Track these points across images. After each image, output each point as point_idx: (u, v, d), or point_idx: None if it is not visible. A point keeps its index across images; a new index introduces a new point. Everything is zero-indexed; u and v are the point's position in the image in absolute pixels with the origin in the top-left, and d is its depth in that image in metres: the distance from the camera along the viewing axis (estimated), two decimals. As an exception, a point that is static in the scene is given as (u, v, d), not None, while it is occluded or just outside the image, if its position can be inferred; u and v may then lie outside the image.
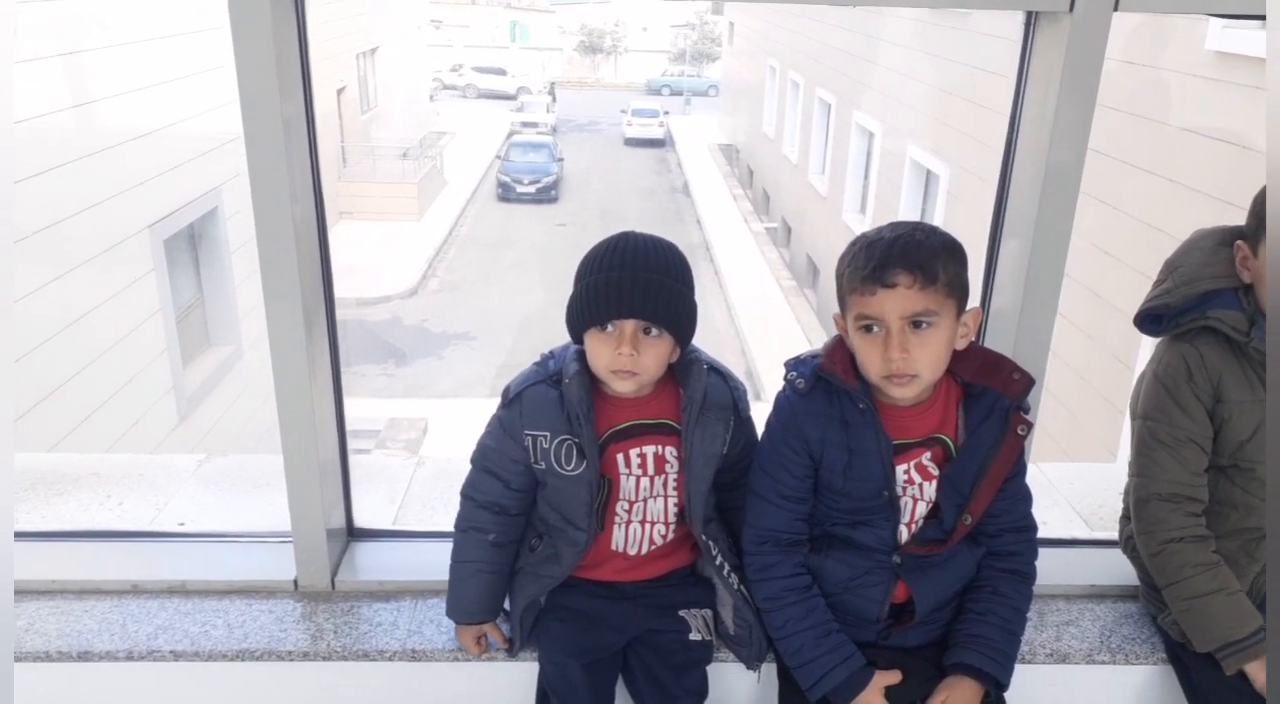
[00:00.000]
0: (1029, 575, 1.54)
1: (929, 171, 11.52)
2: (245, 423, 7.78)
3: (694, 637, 1.57)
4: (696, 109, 31.15)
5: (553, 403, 1.51)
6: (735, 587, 1.56)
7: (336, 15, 17.85)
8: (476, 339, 14.45)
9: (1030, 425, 1.47)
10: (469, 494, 1.60)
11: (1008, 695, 1.53)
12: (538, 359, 1.59)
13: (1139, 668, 1.67)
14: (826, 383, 1.47)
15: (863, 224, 13.57)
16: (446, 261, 17.83)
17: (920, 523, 1.50)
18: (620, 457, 1.52)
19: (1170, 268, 1.64)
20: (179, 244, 7.18)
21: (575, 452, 1.49)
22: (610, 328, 1.44)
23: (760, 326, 14.99)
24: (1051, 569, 1.82)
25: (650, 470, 1.54)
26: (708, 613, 1.60)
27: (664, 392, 1.55)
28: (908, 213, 12.01)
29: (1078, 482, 2.32)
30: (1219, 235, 1.62)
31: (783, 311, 15.85)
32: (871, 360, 1.41)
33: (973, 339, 1.48)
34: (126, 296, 6.27)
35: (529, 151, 22.20)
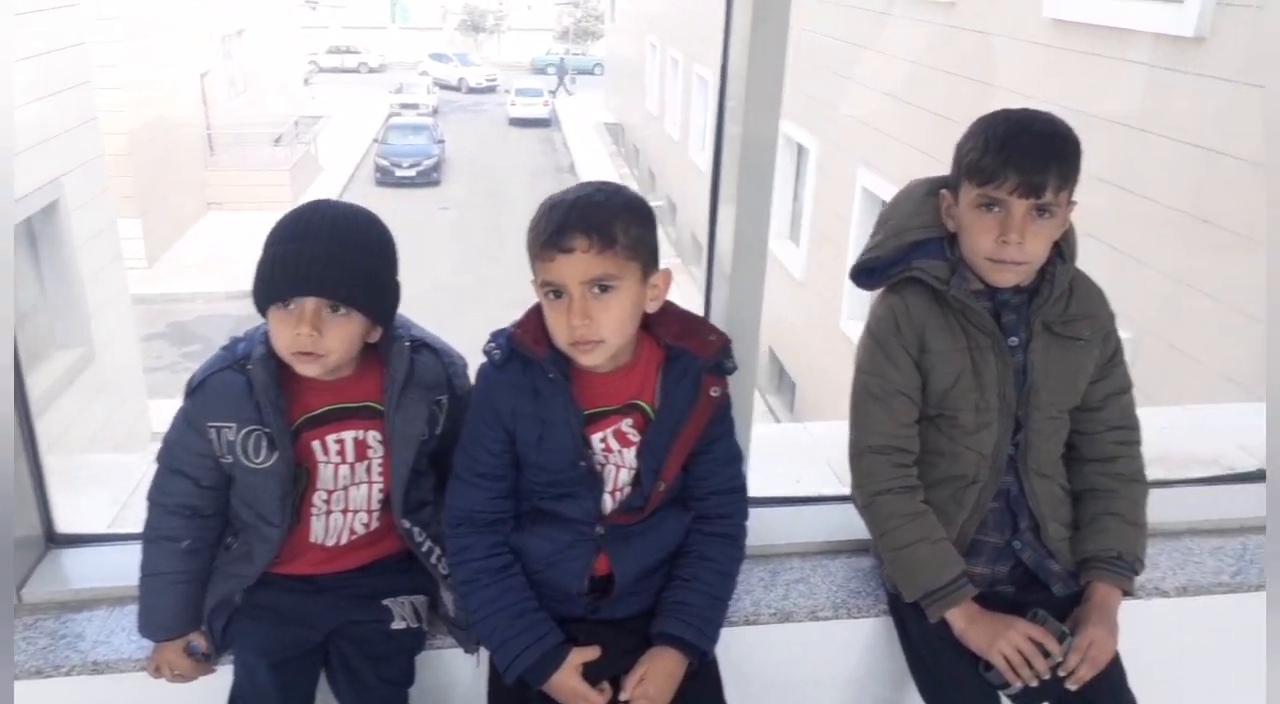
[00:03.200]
0: (737, 537, 1.51)
1: (800, 146, 11.64)
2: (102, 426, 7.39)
3: (397, 626, 1.50)
4: (583, 88, 30.92)
5: (240, 390, 1.40)
6: (445, 574, 1.49)
7: (195, -5, 17.05)
8: (357, 328, 14.03)
9: (723, 386, 1.44)
10: (155, 499, 1.47)
11: (727, 659, 1.51)
12: (226, 342, 1.48)
13: (862, 621, 1.68)
14: (522, 353, 1.40)
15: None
16: (323, 249, 17.25)
17: (626, 491, 1.46)
18: (317, 444, 1.43)
19: (882, 220, 1.63)
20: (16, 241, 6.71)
21: (265, 442, 1.39)
22: (291, 306, 1.34)
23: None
24: (791, 527, 1.82)
25: (350, 457, 1.45)
26: (420, 599, 1.53)
27: (367, 372, 1.46)
28: (782, 188, 12.14)
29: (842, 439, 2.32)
30: (927, 185, 1.61)
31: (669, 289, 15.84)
32: (558, 327, 1.35)
33: (666, 300, 1.44)
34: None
35: (408, 134, 21.64)
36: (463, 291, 13.30)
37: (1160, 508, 1.89)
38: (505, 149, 24.09)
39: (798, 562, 1.78)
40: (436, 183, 20.73)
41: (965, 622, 1.50)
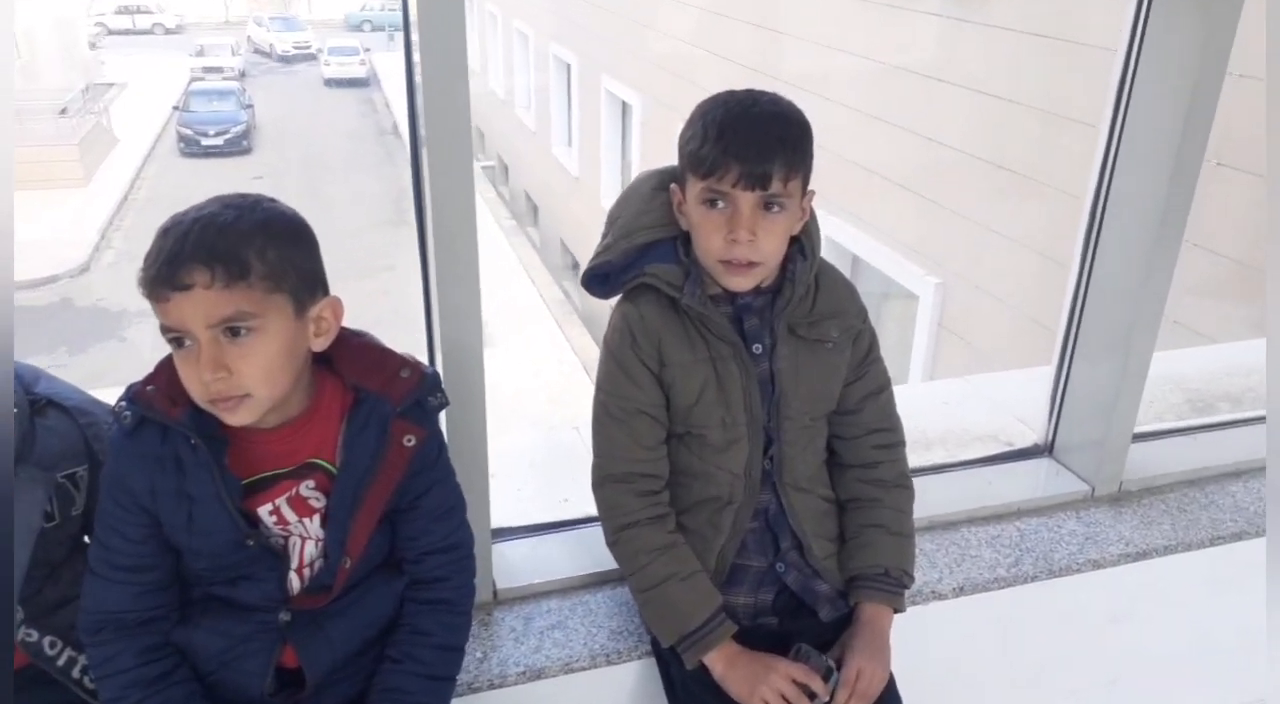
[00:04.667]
0: (458, 603, 1.30)
1: (624, 103, 11.43)
2: None
3: None
4: (400, 45, 29.49)
5: None
6: (93, 688, 1.22)
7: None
8: (164, 314, 13.04)
9: (424, 432, 1.21)
10: None
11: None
12: None
13: (623, 667, 1.50)
14: (154, 418, 1.13)
15: (570, 156, 13.37)
16: (123, 229, 15.92)
17: (317, 566, 1.22)
18: None
19: (611, 219, 1.43)
20: None
21: None
22: None
23: (483, 269, 14.57)
24: (552, 560, 1.63)
25: None
26: None
27: None
28: (609, 144, 11.93)
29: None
30: (656, 178, 1.42)
31: (505, 252, 15.48)
32: (190, 382, 1.09)
33: (346, 331, 1.20)
34: None
35: (213, 99, 20.12)
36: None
37: (936, 498, 1.83)
38: (321, 112, 22.78)
39: (556, 602, 1.59)
40: (247, 151, 19.43)
41: (724, 666, 1.34)
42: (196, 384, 1.08)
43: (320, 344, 1.16)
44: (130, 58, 26.25)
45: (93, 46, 25.20)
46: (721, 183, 1.25)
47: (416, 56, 1.28)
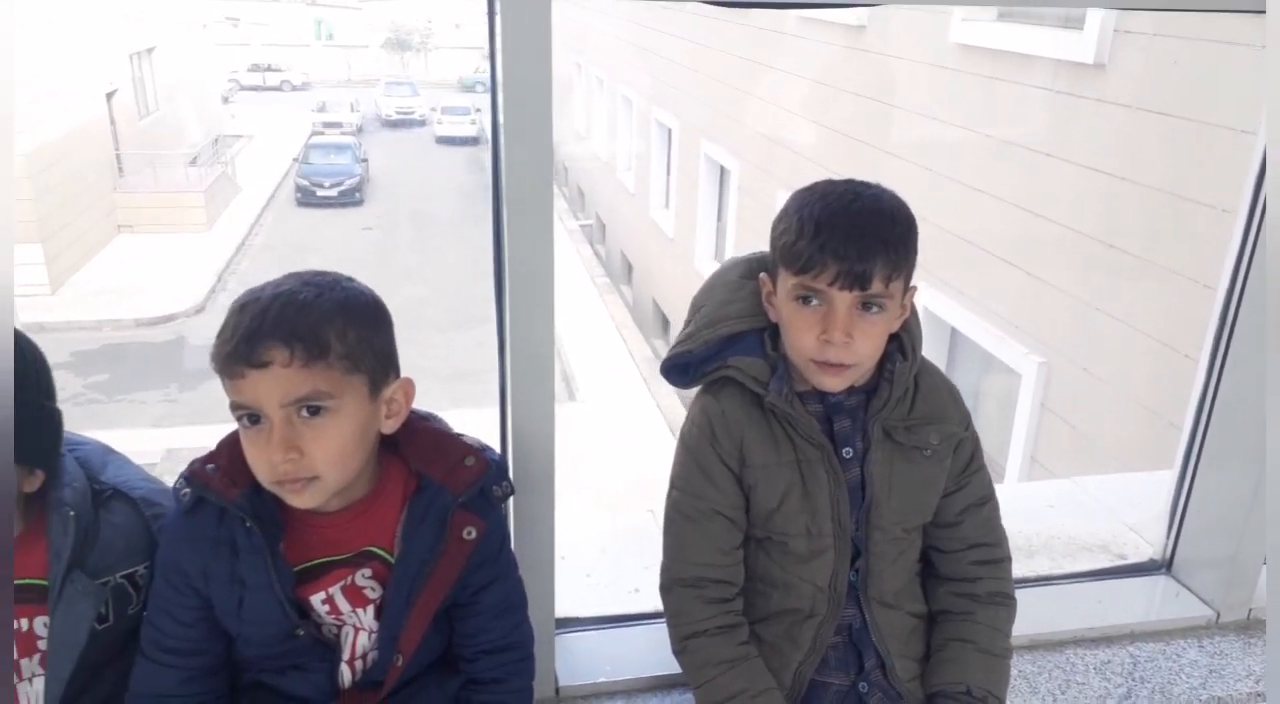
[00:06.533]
0: None
1: (723, 167, 11.49)
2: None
3: None
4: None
5: None
6: None
7: (100, 11, 16.40)
8: (270, 356, 13.53)
9: (486, 524, 1.16)
10: None
11: None
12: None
13: (690, 788, 1.39)
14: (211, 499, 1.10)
15: (667, 218, 13.48)
16: (238, 273, 16.65)
17: (371, 658, 1.16)
18: None
19: (695, 307, 1.37)
20: None
21: None
22: None
23: (575, 325, 14.72)
24: (616, 657, 1.54)
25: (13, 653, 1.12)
26: None
27: (30, 539, 1.12)
28: (705, 207, 11.98)
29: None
30: (744, 266, 1.35)
31: (598, 309, 15.64)
32: (258, 462, 1.07)
33: (414, 414, 1.16)
34: None
35: (330, 153, 21.04)
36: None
37: (1040, 614, 1.68)
38: (431, 168, 23.60)
39: (622, 703, 1.50)
40: (359, 203, 20.19)
41: None
42: (265, 464, 1.05)
43: (391, 426, 1.12)
44: (258, 112, 27.79)
45: (225, 101, 26.76)
46: (817, 281, 1.18)
47: (501, 117, 1.25)
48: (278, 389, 1.02)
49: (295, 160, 21.42)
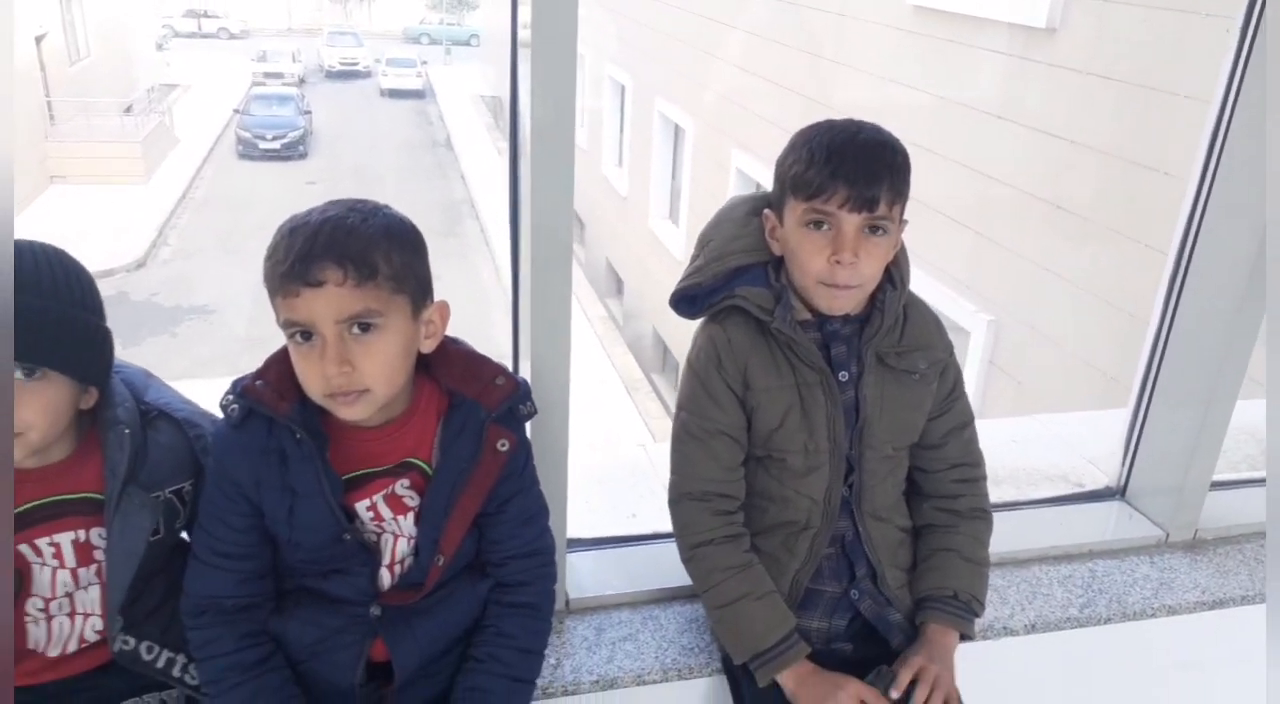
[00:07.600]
0: (540, 606, 1.32)
1: (677, 126, 11.49)
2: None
3: None
4: (458, 59, 29.97)
5: None
6: (194, 684, 1.25)
7: (27, -51, 15.69)
8: (215, 313, 13.26)
9: (515, 438, 1.24)
10: None
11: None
12: None
13: (694, 682, 1.51)
14: (262, 411, 1.16)
15: (620, 176, 13.46)
16: (179, 228, 16.25)
17: (407, 563, 1.24)
18: (26, 547, 1.16)
19: (703, 242, 1.45)
20: None
21: None
22: None
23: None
24: (621, 573, 1.64)
25: (71, 562, 1.18)
26: (171, 694, 1.28)
27: (85, 453, 1.18)
28: (659, 166, 11.99)
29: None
30: (749, 204, 1.44)
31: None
32: (310, 377, 1.12)
33: (444, 337, 1.22)
34: None
35: (273, 104, 20.52)
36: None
37: (1008, 535, 1.80)
38: (377, 121, 23.16)
39: (626, 614, 1.60)
40: (303, 156, 19.76)
41: (795, 684, 1.35)
42: (318, 378, 1.11)
43: (429, 346, 1.19)
44: (194, 60, 26.90)
45: (159, 48, 25.84)
46: (828, 204, 1.27)
47: (526, 71, 1.31)
48: (332, 307, 1.08)
49: (237, 111, 20.83)
